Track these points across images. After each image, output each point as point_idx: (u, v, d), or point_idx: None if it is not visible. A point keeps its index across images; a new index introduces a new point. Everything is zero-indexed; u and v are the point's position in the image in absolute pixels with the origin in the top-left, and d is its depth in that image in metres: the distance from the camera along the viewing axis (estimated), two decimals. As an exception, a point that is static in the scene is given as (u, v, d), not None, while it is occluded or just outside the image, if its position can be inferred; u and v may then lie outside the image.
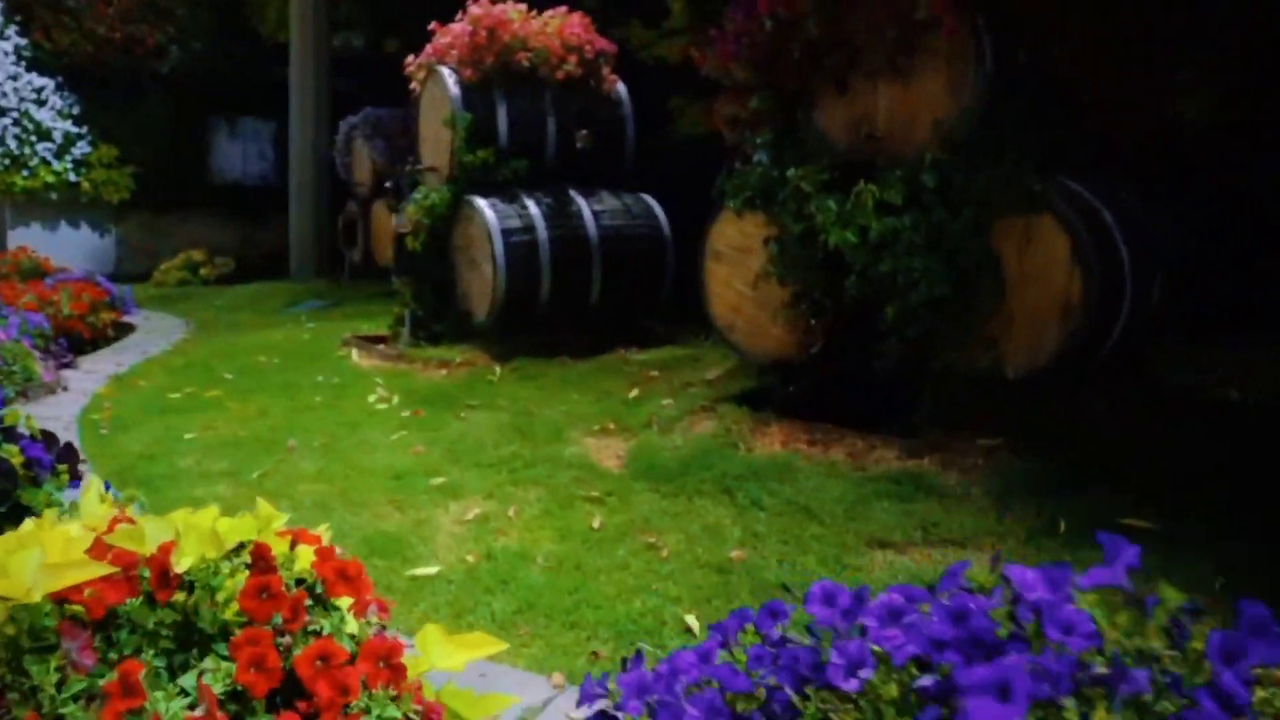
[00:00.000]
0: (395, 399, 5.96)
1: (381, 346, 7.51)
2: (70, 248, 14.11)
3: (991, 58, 4.57)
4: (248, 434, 5.52)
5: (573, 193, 7.25)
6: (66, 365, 7.84)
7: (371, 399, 6.03)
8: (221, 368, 7.43)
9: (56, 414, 6.18)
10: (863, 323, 4.95)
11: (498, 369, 6.49)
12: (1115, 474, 4.11)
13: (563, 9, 7.45)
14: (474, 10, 7.18)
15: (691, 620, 3.24)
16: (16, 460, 2.97)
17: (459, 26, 7.24)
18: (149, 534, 1.81)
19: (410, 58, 7.70)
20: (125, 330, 9.76)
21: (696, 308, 7.91)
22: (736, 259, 5.53)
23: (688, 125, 10.48)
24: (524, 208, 6.97)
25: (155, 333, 9.87)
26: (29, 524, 1.98)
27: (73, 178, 13.99)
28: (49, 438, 3.15)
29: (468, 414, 5.61)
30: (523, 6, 7.31)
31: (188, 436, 5.54)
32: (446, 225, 7.21)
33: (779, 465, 4.40)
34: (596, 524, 4.04)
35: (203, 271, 13.89)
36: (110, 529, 1.84)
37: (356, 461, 4.92)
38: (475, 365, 6.68)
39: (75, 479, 3.12)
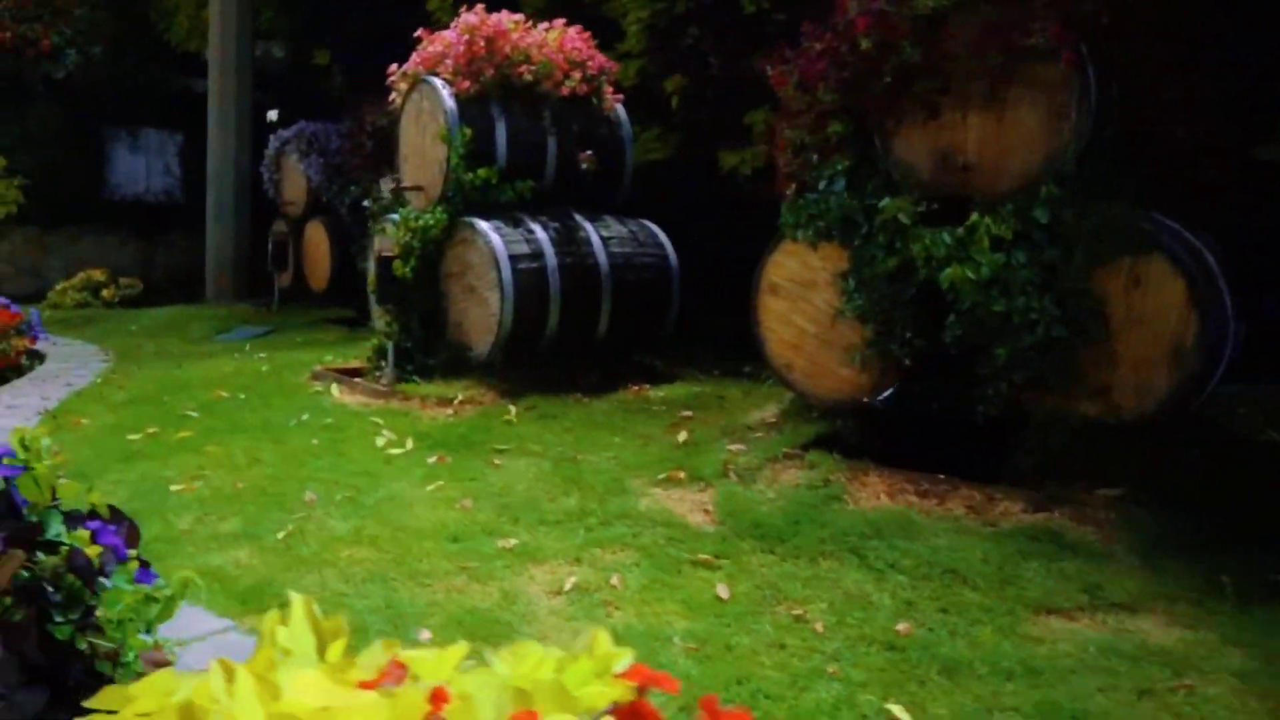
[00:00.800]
0: (409, 443, 5.33)
1: (359, 380, 6.83)
2: (-55, 265, 12.73)
3: (1096, 90, 4.35)
4: (247, 485, 4.82)
5: (579, 217, 6.77)
6: (-17, 400, 6.88)
7: (379, 442, 5.38)
8: (177, 404, 6.61)
9: None
10: (945, 364, 4.65)
11: (512, 408, 5.92)
12: (1248, 525, 3.89)
13: (560, 21, 6.98)
14: (469, 19, 6.64)
15: (898, 711, 2.81)
16: (93, 552, 2.34)
17: (451, 35, 6.68)
18: (479, 699, 1.27)
19: (393, 66, 7.09)
20: (35, 359, 8.72)
21: (691, 341, 7.53)
22: (798, 293, 5.15)
23: (639, 152, 10.15)
24: (530, 232, 6.44)
25: (72, 361, 8.86)
26: (247, 680, 1.30)
27: (-48, 188, 12.61)
28: (116, 515, 2.52)
29: (501, 460, 5.05)
30: (519, 16, 6.81)
31: (174, 489, 4.79)
32: (438, 249, 6.61)
33: (896, 520, 4.02)
34: (723, 594, 3.57)
35: (105, 293, 12.72)
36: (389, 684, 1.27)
37: (396, 519, 4.30)
38: (482, 403, 6.10)
39: (144, 566, 2.50)
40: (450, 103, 6.52)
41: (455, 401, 6.09)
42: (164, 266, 14.53)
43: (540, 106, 6.79)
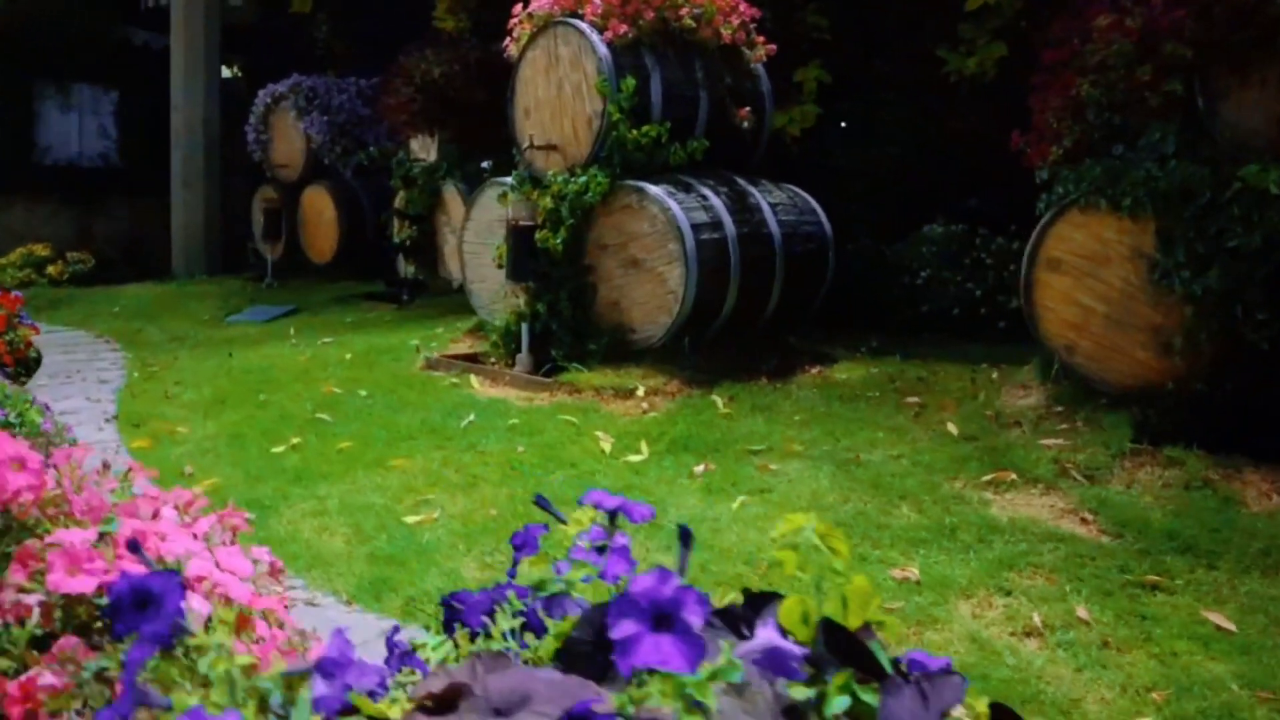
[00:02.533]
0: (643, 447, 4.57)
1: (494, 368, 5.96)
2: None
3: None
4: (500, 511, 3.97)
5: (742, 182, 6.05)
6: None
7: (605, 447, 4.59)
8: (287, 404, 5.61)
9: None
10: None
11: (717, 400, 5.21)
12: None
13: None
14: (620, -47, 5.79)
15: None
16: None
17: (597, -28, 5.82)
18: None
19: (518, 7, 6.16)
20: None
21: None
22: (1085, 269, 4.61)
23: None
24: (704, 198, 5.69)
25: (79, 352, 7.61)
26: None
27: None
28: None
29: (776, 465, 4.34)
30: (660, -45, 5.96)
31: (409, 521, 3.90)
32: (586, 218, 5.78)
33: (1325, 527, 3.55)
34: (1222, 623, 3.01)
35: (51, 270, 11.17)
36: None
37: (733, 549, 3.57)
38: (670, 394, 5.35)
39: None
40: (604, 49, 5.67)
41: (637, 393, 5.31)
42: (103, 238, 12.90)
43: (692, 58, 6.01)
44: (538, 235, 5.76)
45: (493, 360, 6.20)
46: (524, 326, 5.88)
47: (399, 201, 8.95)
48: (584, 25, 5.77)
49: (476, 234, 6.68)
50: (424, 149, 8.78)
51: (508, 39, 6.30)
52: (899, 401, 5.27)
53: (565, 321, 5.81)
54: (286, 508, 4.11)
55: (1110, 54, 4.27)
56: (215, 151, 11.12)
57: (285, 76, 10.68)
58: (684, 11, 5.80)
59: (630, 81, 5.62)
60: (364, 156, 9.47)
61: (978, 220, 7.75)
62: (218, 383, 6.27)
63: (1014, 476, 4.09)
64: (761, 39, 6.19)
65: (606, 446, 4.59)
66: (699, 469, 4.30)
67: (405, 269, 8.97)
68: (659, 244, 5.51)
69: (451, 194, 8.44)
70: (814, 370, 5.90)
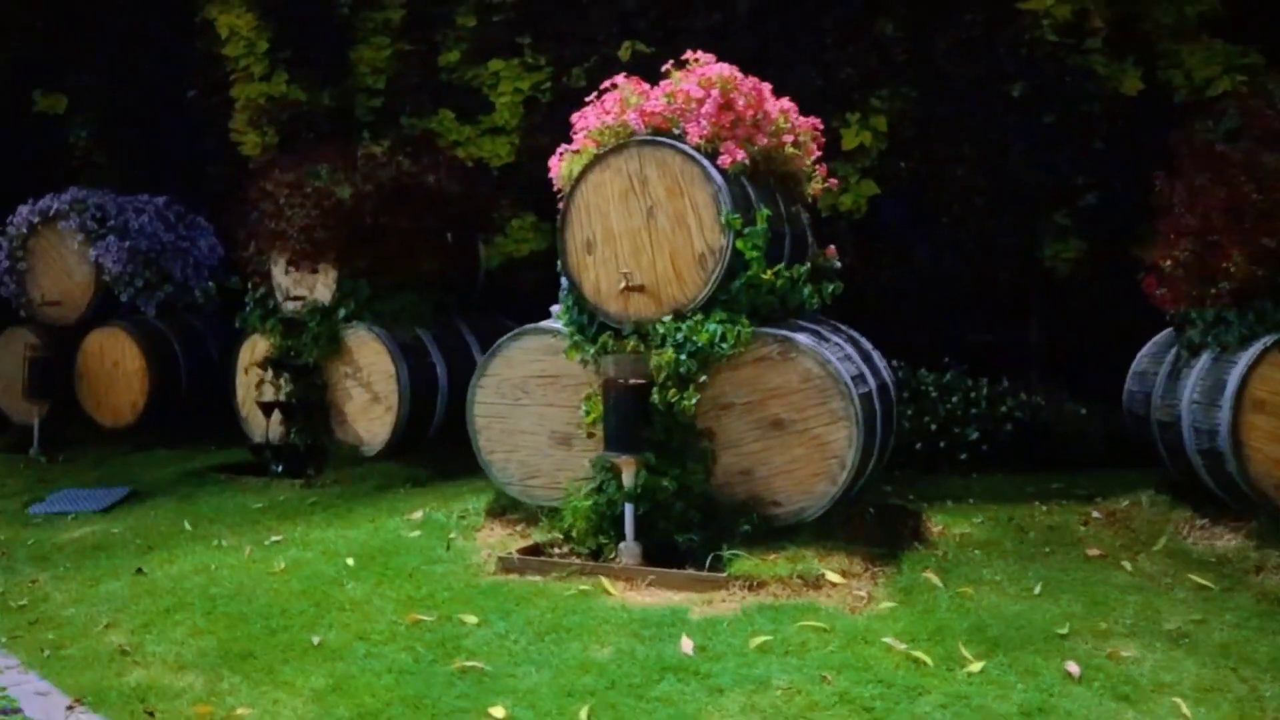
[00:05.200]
0: (964, 651, 3.76)
1: (586, 563, 4.75)
2: None
3: None
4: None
5: (845, 328, 5.47)
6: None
7: (926, 659, 3.70)
8: (375, 649, 4.03)
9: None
10: None
11: (930, 577, 4.51)
12: None
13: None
14: (719, 69, 5.06)
15: None
16: None
17: (690, 88, 5.04)
18: None
19: (580, 119, 5.14)
20: None
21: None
22: (1295, 409, 4.63)
23: (510, 244, 8.96)
24: (840, 347, 5.04)
25: None
26: None
27: None
28: None
29: (1127, 652, 3.74)
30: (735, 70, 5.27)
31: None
32: (705, 372, 4.89)
33: None
34: None
35: None
36: None
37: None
38: (859, 575, 4.53)
39: None
40: (719, 177, 4.89)
41: (828, 579, 4.45)
42: None
43: (773, 189, 5.40)
44: (666, 395, 4.74)
45: (560, 550, 4.98)
46: (628, 508, 4.77)
47: (264, 349, 7.17)
48: (686, 147, 4.95)
49: (501, 393, 5.42)
50: (301, 284, 7.14)
51: (559, 156, 5.27)
52: (1082, 554, 4.95)
53: (694, 499, 4.80)
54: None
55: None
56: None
57: (29, 190, 8.32)
58: (787, 138, 5.19)
59: (765, 213, 4.88)
60: (202, 293, 7.51)
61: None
62: (186, 620, 4.41)
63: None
64: (824, 170, 5.70)
65: (926, 659, 3.71)
66: (1073, 669, 3.59)
67: (276, 432, 7.14)
68: (816, 402, 4.75)
69: (361, 340, 6.89)
70: (936, 528, 5.38)
